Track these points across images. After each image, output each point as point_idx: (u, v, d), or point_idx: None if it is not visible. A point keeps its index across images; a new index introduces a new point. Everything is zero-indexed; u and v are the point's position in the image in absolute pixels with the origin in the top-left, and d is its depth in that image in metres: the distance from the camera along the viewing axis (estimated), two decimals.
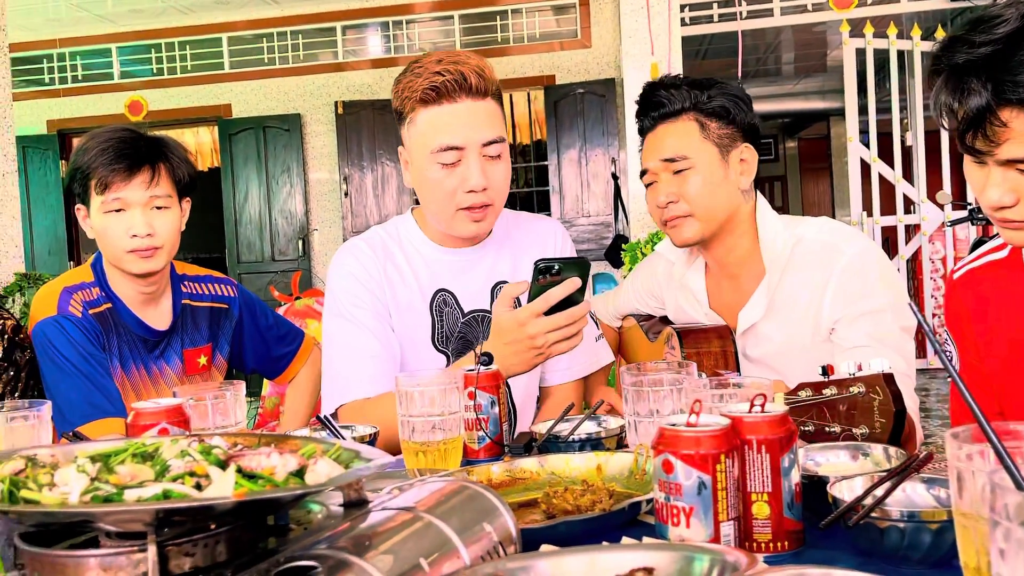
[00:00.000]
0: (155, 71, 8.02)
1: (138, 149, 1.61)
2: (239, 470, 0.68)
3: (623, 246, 4.00)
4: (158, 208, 1.62)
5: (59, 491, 0.66)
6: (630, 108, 4.73)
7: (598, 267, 6.19)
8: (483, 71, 1.49)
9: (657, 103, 1.57)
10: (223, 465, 0.69)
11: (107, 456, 0.73)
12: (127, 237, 1.59)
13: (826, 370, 1.07)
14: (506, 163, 1.55)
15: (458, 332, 1.61)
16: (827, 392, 1.05)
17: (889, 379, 1.03)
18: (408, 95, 1.50)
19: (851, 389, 1.04)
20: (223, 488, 0.65)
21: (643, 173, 1.61)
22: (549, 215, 6.54)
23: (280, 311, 2.21)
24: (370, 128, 7.59)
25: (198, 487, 0.67)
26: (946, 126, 1.03)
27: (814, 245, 1.51)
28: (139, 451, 0.75)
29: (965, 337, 1.28)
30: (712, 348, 1.55)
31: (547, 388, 1.74)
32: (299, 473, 0.70)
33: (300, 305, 2.33)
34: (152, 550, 0.60)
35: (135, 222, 1.59)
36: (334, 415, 1.56)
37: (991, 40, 0.97)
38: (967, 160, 1.05)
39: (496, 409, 1.32)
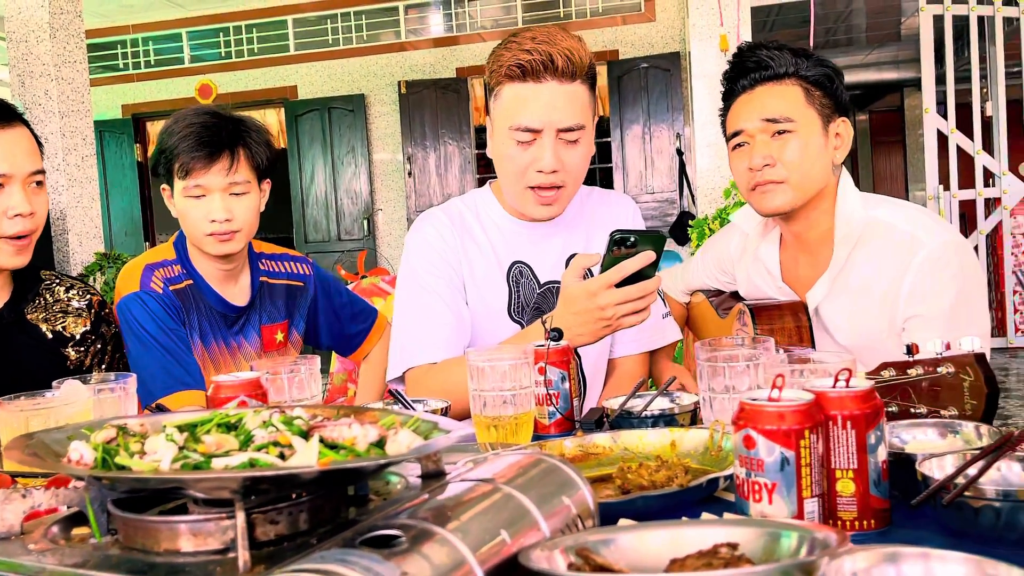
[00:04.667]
0: (223, 54, 8.19)
1: (219, 135, 1.63)
2: (321, 440, 0.69)
3: (690, 223, 3.93)
4: (236, 194, 1.65)
5: (150, 459, 0.68)
6: (696, 82, 4.64)
7: None
8: (572, 53, 1.45)
9: (760, 64, 1.51)
10: (306, 435, 0.70)
11: (193, 426, 0.75)
12: (206, 222, 1.63)
13: (911, 349, 1.03)
14: (584, 147, 1.52)
15: (534, 303, 1.62)
16: (912, 372, 1.02)
17: (981, 359, 0.99)
18: (496, 68, 1.49)
19: (939, 369, 1.00)
20: (307, 457, 0.66)
21: (734, 135, 1.54)
22: None
23: None
24: (432, 108, 7.62)
25: (282, 457, 0.68)
26: None
27: (893, 232, 1.45)
28: (223, 421, 0.76)
29: None
30: (786, 324, 1.51)
31: (613, 360, 1.73)
32: (380, 444, 0.70)
33: (366, 284, 2.35)
34: (241, 517, 0.61)
35: (214, 207, 1.63)
36: (401, 379, 1.58)
37: None
38: None
39: (567, 385, 1.31)
